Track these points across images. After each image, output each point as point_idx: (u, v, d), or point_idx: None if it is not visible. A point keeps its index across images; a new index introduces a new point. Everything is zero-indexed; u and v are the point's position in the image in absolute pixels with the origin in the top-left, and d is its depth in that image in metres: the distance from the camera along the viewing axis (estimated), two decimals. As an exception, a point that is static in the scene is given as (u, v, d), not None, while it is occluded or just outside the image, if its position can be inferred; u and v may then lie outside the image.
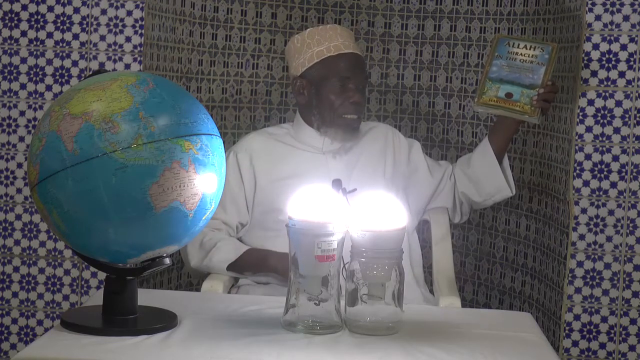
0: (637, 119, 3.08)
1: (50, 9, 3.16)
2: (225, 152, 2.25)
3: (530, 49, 3.07)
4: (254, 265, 3.01)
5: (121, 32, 3.16)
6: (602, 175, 3.10)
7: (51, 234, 3.17)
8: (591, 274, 3.12)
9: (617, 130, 3.09)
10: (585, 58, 3.08)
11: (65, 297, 3.21)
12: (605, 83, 3.08)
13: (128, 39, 3.16)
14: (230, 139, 3.62)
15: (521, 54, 3.07)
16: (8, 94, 3.18)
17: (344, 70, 3.09)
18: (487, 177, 3.21)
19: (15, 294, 3.22)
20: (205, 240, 3.01)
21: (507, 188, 3.21)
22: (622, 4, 3.06)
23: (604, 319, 3.12)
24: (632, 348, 3.13)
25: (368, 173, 3.13)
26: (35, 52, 3.17)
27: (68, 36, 3.16)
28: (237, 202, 3.10)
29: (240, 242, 3.10)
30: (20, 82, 3.18)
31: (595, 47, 3.07)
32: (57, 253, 3.20)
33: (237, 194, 3.10)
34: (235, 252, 3.00)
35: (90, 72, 2.46)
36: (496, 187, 3.21)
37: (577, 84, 3.10)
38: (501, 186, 3.20)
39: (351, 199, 2.44)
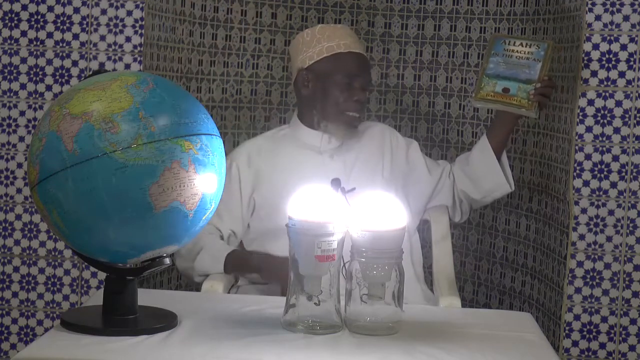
0: (637, 119, 3.08)
1: (50, 9, 3.16)
2: (225, 154, 2.25)
3: (526, 46, 3.09)
4: (237, 266, 3.01)
5: (121, 32, 3.16)
6: (602, 175, 3.10)
7: (51, 234, 3.17)
8: (591, 274, 3.11)
9: (617, 130, 3.09)
10: (585, 58, 3.08)
11: (65, 297, 3.21)
12: (605, 83, 3.08)
13: (128, 39, 3.16)
14: (230, 139, 3.62)
15: (517, 51, 3.09)
16: (8, 94, 3.18)
17: (352, 68, 3.09)
18: (485, 173, 3.21)
19: (15, 294, 3.22)
20: (189, 246, 2.99)
21: (506, 184, 3.21)
22: (622, 4, 3.06)
23: (604, 319, 3.12)
24: (632, 348, 3.13)
25: (367, 172, 3.13)
26: (35, 52, 3.17)
27: (68, 36, 3.16)
28: (232, 211, 3.09)
29: (227, 245, 3.09)
30: (20, 82, 3.18)
31: (595, 47, 3.07)
32: (57, 253, 3.20)
33: (233, 203, 3.09)
34: (217, 262, 2.99)
35: (90, 72, 2.46)
36: (495, 183, 3.21)
37: (577, 84, 3.10)
38: (500, 182, 3.20)
39: (350, 199, 2.44)
